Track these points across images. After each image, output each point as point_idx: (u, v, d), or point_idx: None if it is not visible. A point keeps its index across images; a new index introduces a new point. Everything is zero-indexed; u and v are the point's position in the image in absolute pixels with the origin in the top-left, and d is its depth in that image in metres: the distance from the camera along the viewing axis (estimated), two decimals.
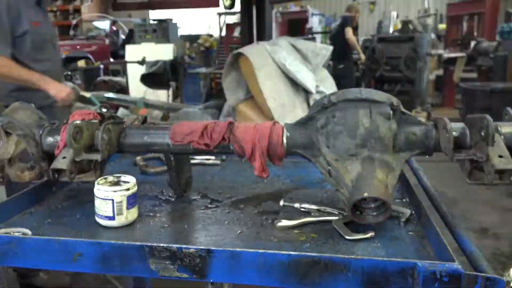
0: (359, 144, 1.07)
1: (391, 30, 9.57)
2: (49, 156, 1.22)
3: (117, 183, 1.16)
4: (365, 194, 1.00)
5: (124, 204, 1.12)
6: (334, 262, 0.86)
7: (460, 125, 1.11)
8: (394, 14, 10.57)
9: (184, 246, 0.92)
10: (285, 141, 1.15)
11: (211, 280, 0.93)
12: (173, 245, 0.93)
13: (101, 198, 1.12)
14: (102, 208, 1.12)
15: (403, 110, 1.11)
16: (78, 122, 1.17)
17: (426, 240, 1.04)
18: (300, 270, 0.87)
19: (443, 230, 1.00)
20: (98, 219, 1.14)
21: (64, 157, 1.14)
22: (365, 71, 8.33)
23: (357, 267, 0.85)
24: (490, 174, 1.00)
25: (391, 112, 1.08)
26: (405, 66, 7.78)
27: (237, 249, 0.91)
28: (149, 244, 0.94)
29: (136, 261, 0.95)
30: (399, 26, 9.02)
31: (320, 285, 0.87)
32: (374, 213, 1.05)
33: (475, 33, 9.63)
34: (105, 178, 1.17)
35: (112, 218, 1.12)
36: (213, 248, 0.91)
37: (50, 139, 1.22)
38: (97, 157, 1.16)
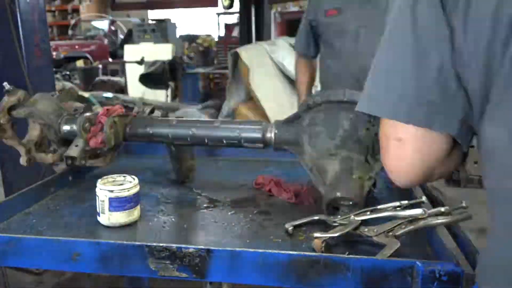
0: (339, 145, 1.12)
1: None
2: (68, 142, 1.34)
3: (119, 183, 1.16)
4: (338, 194, 1.07)
5: (126, 204, 1.13)
6: (334, 261, 0.86)
7: None
8: None
9: (183, 245, 0.93)
10: (272, 136, 1.24)
11: (211, 280, 0.93)
12: (173, 245, 0.93)
13: (103, 198, 1.12)
14: (104, 207, 1.12)
15: None
16: (88, 114, 1.31)
17: (425, 239, 1.04)
18: (300, 270, 0.87)
19: (442, 229, 1.01)
20: (99, 219, 1.14)
21: (76, 145, 1.28)
22: None
23: (356, 266, 0.85)
24: (463, 179, 1.05)
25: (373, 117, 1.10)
26: None
27: (237, 249, 0.92)
28: (149, 243, 0.94)
29: (136, 261, 0.95)
30: None
31: (319, 285, 0.87)
32: (347, 211, 1.09)
33: None
34: (106, 178, 1.18)
35: (113, 217, 1.12)
36: (212, 248, 0.91)
37: (67, 127, 1.33)
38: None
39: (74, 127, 1.31)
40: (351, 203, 1.08)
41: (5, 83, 1.33)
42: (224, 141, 1.29)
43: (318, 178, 1.16)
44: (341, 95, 1.16)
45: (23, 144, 1.34)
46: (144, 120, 1.39)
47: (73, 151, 1.27)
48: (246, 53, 3.79)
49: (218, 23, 10.64)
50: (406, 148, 0.74)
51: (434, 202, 1.21)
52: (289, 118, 1.25)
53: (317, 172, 1.16)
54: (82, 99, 1.52)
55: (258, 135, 1.26)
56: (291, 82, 4.04)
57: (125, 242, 0.96)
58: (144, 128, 1.35)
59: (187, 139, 1.32)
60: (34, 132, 1.36)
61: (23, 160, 1.34)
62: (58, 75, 6.82)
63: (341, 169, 1.11)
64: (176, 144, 1.38)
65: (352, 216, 1.05)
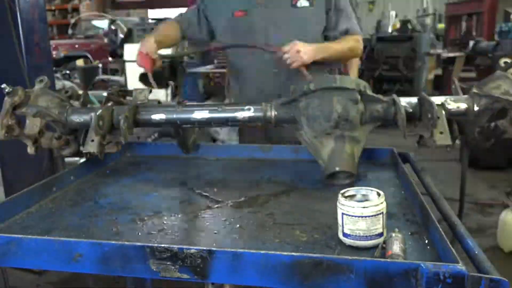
0: (333, 125, 1.33)
1: (390, 30, 9.54)
2: (75, 130, 1.48)
3: (364, 199, 1.03)
4: (337, 168, 1.32)
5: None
6: (337, 263, 0.85)
7: (414, 100, 1.37)
8: (393, 13, 10.52)
9: (185, 246, 0.92)
10: (273, 116, 1.39)
11: (213, 281, 0.93)
12: (174, 246, 0.92)
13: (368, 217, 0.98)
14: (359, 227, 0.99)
15: (369, 93, 1.35)
16: (100, 112, 1.37)
17: (429, 241, 1.03)
18: (303, 271, 0.86)
19: (446, 231, 1.00)
20: (345, 238, 1.01)
21: (92, 140, 1.35)
22: (364, 71, 8.31)
23: (360, 268, 0.84)
24: (432, 147, 1.28)
25: (359, 97, 1.33)
26: (404, 66, 7.77)
27: (239, 250, 0.91)
28: (150, 244, 0.93)
29: (137, 262, 0.94)
30: (398, 25, 9.00)
31: (322, 287, 0.86)
32: (344, 177, 1.36)
33: (474, 33, 9.61)
34: (347, 191, 1.05)
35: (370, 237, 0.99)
36: (214, 248, 0.91)
37: (75, 119, 1.44)
38: (120, 139, 1.42)
39: (82, 118, 1.42)
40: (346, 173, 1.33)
41: (3, 85, 1.34)
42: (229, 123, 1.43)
43: (316, 153, 1.37)
44: (332, 81, 1.34)
45: (30, 137, 1.40)
46: (153, 107, 1.48)
47: (91, 146, 1.35)
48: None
49: None
50: None
51: None
52: (286, 100, 1.40)
53: (315, 148, 1.37)
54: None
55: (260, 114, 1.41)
56: None
57: (126, 243, 0.95)
58: (153, 115, 1.45)
59: (195, 123, 1.46)
60: (34, 125, 1.41)
61: (30, 150, 1.41)
62: (58, 74, 6.80)
63: (336, 145, 1.34)
64: (184, 127, 1.52)
65: None
